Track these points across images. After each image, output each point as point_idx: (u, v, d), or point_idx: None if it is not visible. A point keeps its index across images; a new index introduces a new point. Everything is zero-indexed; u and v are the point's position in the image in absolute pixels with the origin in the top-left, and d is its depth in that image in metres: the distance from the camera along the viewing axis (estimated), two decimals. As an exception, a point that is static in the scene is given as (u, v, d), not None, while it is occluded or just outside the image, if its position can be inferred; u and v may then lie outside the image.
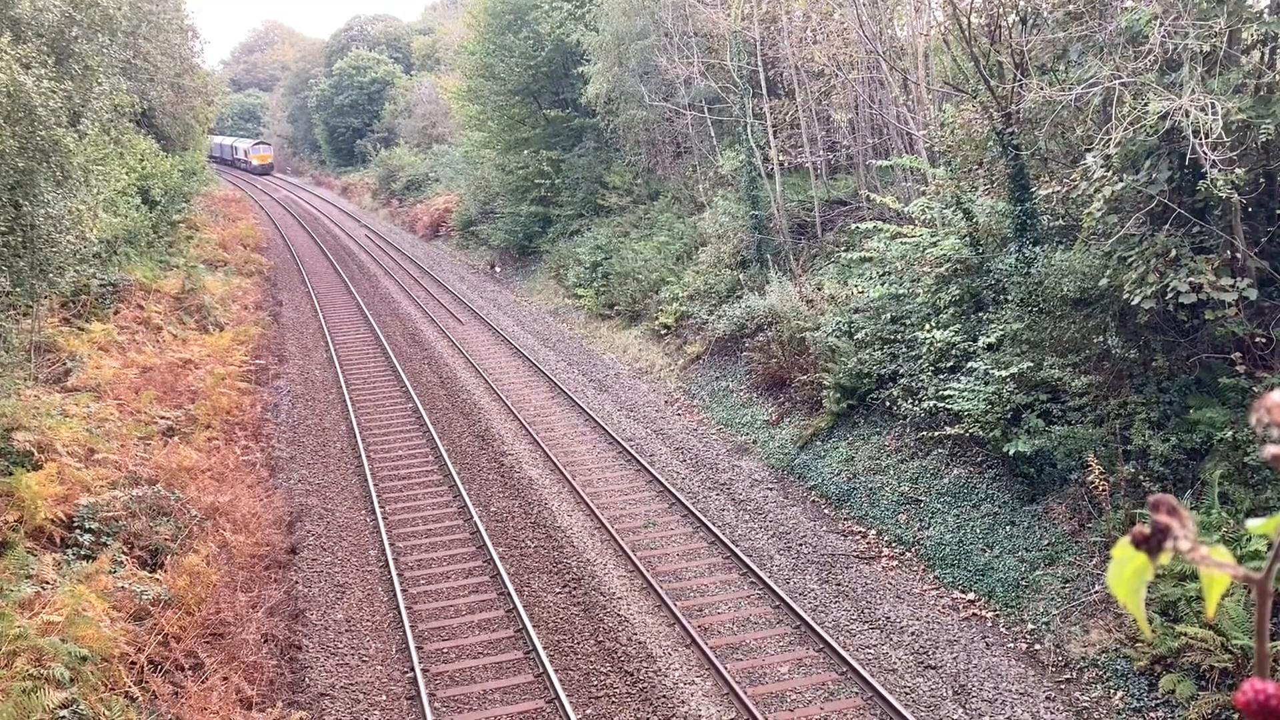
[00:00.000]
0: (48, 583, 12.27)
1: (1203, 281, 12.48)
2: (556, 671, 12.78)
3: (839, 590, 14.86)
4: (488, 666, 13.15)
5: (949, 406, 16.21)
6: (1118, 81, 13.18)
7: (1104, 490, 13.36)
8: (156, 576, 13.50)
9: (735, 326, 24.20)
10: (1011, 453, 14.96)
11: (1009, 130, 16.63)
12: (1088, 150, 14.11)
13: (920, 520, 16.14)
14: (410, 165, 64.13)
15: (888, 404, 18.36)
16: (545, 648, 13.36)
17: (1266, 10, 12.25)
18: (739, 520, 17.44)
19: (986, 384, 15.78)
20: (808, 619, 13.65)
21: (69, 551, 13.49)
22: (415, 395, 25.14)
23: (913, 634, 13.51)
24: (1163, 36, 12.52)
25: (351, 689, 12.82)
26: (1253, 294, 12.49)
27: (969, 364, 16.46)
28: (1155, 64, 12.79)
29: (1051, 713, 11.68)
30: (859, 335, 19.70)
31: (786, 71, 27.67)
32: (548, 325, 33.23)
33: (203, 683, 11.75)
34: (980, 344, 16.46)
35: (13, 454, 14.84)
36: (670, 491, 18.38)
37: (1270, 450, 1.03)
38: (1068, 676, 12.29)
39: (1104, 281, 13.92)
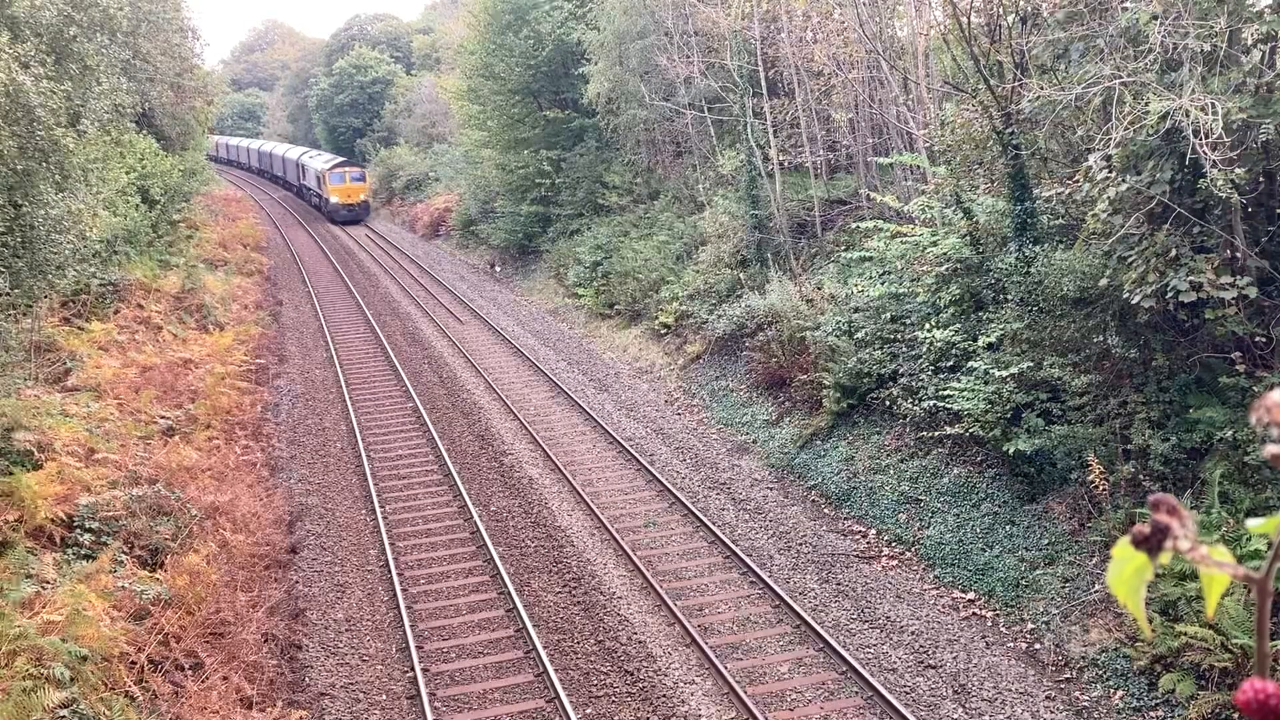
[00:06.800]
0: (48, 582, 12.27)
1: (1203, 280, 12.47)
2: (556, 671, 12.78)
3: (839, 589, 14.85)
4: (488, 666, 13.15)
5: (949, 406, 16.20)
6: (1118, 81, 13.17)
7: (1104, 489, 13.36)
8: (157, 576, 13.50)
9: (735, 326, 24.19)
10: (1011, 452, 14.96)
11: (1009, 130, 16.62)
12: (1088, 150, 14.10)
13: (920, 520, 16.14)
14: (410, 164, 64.14)
15: (888, 403, 18.35)
16: (545, 647, 13.36)
17: (1267, 9, 12.23)
18: (739, 520, 17.44)
19: (986, 383, 15.77)
20: (807, 618, 13.65)
21: (69, 551, 13.49)
22: (415, 395, 25.14)
23: (913, 633, 13.51)
24: (1163, 36, 12.51)
25: (351, 688, 12.82)
26: (1252, 293, 12.48)
27: (969, 363, 16.45)
28: (1155, 64, 12.77)
29: (1051, 712, 11.68)
30: (859, 334, 19.70)
31: (787, 71, 27.66)
32: (548, 325, 33.23)
33: (203, 682, 11.75)
34: (980, 343, 16.46)
35: (13, 453, 14.83)
36: (670, 491, 18.38)
37: (1270, 449, 1.03)
38: (1068, 676, 12.29)
39: (1104, 281, 13.91)
